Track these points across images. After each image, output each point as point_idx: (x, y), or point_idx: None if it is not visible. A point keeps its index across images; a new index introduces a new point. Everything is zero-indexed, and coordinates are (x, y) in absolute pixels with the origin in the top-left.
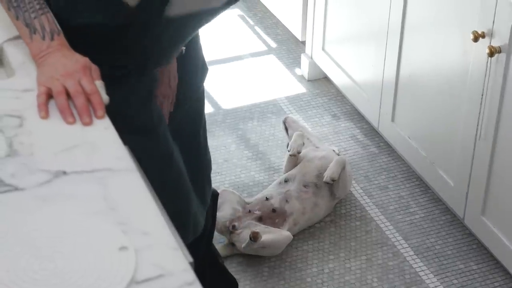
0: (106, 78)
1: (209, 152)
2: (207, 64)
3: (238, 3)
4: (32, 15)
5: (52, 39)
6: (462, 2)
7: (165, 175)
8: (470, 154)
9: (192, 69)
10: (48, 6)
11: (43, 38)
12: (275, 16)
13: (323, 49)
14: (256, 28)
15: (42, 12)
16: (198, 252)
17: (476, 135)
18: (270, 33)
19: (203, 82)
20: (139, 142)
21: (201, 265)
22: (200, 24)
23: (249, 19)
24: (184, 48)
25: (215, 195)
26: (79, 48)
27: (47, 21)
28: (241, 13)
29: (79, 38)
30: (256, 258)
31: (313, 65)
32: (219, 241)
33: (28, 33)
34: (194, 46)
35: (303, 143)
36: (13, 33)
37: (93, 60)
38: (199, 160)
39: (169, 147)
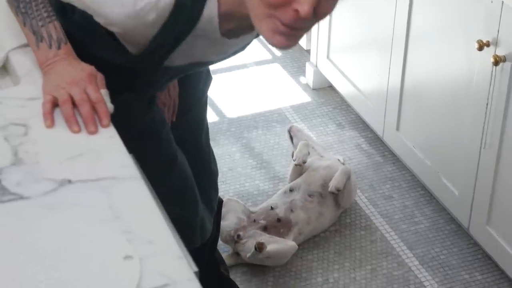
0: (110, 86)
1: (215, 159)
2: (211, 72)
3: None
4: (40, 23)
5: (58, 47)
6: (467, 11)
7: (171, 178)
8: (475, 163)
9: (196, 79)
10: None
11: (50, 46)
12: None
13: (327, 57)
14: (261, 36)
15: (50, 20)
16: (202, 259)
17: (481, 144)
18: None
19: (207, 90)
20: (143, 146)
21: (205, 273)
22: (199, 69)
23: None
24: None
25: (219, 202)
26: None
27: (54, 29)
28: None
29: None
30: (261, 267)
31: (318, 74)
32: (223, 250)
33: (35, 41)
34: None
35: (308, 153)
36: (18, 41)
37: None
38: (203, 166)
39: (173, 150)
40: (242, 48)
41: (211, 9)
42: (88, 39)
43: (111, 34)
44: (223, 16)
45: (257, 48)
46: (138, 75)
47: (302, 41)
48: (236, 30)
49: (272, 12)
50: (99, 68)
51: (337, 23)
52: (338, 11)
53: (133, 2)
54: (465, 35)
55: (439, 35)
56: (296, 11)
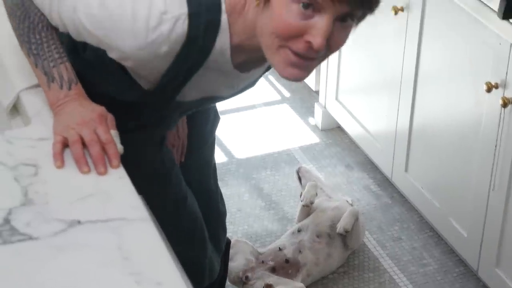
0: (121, 127)
1: (223, 199)
2: (219, 113)
3: None
4: (51, 64)
5: (69, 88)
6: (475, 53)
7: (181, 219)
8: (484, 205)
9: (204, 119)
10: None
11: (61, 87)
12: None
13: (336, 98)
14: (270, 77)
15: (61, 61)
16: None
17: (489, 185)
18: (284, 83)
19: (215, 131)
20: (153, 187)
21: None
22: (210, 105)
23: None
24: None
25: (227, 242)
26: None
27: (66, 70)
28: None
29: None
30: None
31: (327, 115)
32: None
33: (46, 82)
34: None
35: (316, 193)
36: (29, 82)
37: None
38: (211, 207)
39: (183, 191)
40: (252, 84)
41: (223, 41)
42: (100, 77)
43: (123, 70)
44: (235, 48)
45: (266, 89)
46: (150, 112)
47: (311, 82)
48: (248, 64)
49: (284, 43)
50: (111, 106)
51: (346, 64)
52: (347, 52)
53: (145, 35)
54: (473, 77)
55: (448, 77)
56: (309, 42)
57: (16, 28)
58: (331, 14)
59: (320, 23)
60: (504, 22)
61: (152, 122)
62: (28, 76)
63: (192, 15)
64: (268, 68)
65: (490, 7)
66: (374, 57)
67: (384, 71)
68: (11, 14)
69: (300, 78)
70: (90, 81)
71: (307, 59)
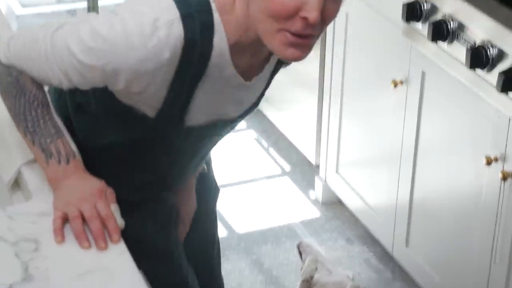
0: (123, 202)
1: (221, 275)
2: (219, 186)
3: (254, 126)
4: (48, 140)
5: (67, 162)
6: (474, 126)
7: None
8: (485, 278)
9: (206, 191)
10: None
11: (59, 162)
12: (289, 140)
13: (337, 172)
14: (271, 150)
15: (58, 136)
16: None
17: (491, 259)
18: (285, 156)
19: (216, 203)
20: (154, 267)
21: None
22: (218, 136)
23: (263, 142)
24: (205, 166)
25: None
26: (98, 167)
27: (63, 145)
28: (256, 135)
29: (98, 158)
30: None
31: (327, 189)
32: None
33: (44, 158)
34: (208, 168)
35: (316, 268)
36: (29, 156)
37: (112, 180)
38: (212, 283)
39: (183, 273)
40: (256, 104)
41: (220, 43)
42: (109, 125)
43: (129, 108)
44: (233, 49)
45: (266, 162)
46: (161, 149)
47: (311, 156)
48: (249, 69)
49: (281, 25)
50: (115, 162)
51: (346, 137)
52: (347, 126)
53: (143, 43)
54: (473, 150)
55: (448, 150)
56: (305, 18)
57: (11, 108)
58: None
59: None
60: (503, 95)
61: (165, 170)
62: (28, 151)
63: (185, 18)
64: (270, 80)
65: (488, 81)
66: (374, 130)
67: (384, 144)
68: (6, 94)
69: (301, 58)
70: (100, 134)
71: (305, 38)
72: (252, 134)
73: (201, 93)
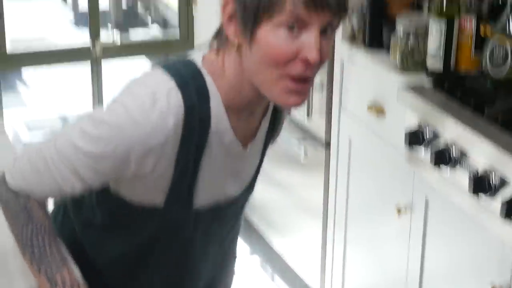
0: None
1: None
2: None
3: (259, 253)
4: (54, 270)
5: None
6: (479, 254)
7: None
8: None
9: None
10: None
11: None
12: (292, 268)
13: None
14: (275, 277)
15: (63, 263)
16: None
17: None
18: (285, 278)
19: None
20: None
21: None
22: (225, 222)
23: (268, 268)
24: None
25: None
26: (111, 285)
27: (68, 273)
28: (260, 261)
29: (109, 276)
30: None
31: None
32: None
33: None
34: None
35: None
36: (32, 283)
37: None
38: None
39: None
40: (252, 186)
41: (217, 107)
42: (120, 231)
43: (136, 209)
44: (230, 111)
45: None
46: (170, 251)
47: (316, 284)
48: (245, 135)
49: (281, 71)
50: (127, 272)
51: (351, 264)
52: (351, 253)
53: (146, 117)
54: (478, 278)
55: (452, 278)
56: (305, 60)
57: (18, 234)
58: (317, 26)
59: (310, 37)
60: (506, 224)
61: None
62: (30, 279)
63: (181, 86)
64: (264, 152)
65: (491, 208)
66: (379, 257)
67: (388, 271)
68: (15, 222)
69: (301, 104)
70: (110, 248)
71: (305, 82)
72: (257, 260)
73: (205, 164)
